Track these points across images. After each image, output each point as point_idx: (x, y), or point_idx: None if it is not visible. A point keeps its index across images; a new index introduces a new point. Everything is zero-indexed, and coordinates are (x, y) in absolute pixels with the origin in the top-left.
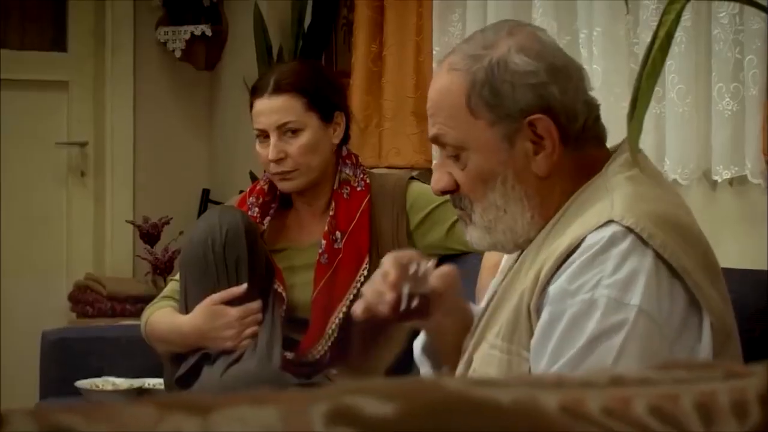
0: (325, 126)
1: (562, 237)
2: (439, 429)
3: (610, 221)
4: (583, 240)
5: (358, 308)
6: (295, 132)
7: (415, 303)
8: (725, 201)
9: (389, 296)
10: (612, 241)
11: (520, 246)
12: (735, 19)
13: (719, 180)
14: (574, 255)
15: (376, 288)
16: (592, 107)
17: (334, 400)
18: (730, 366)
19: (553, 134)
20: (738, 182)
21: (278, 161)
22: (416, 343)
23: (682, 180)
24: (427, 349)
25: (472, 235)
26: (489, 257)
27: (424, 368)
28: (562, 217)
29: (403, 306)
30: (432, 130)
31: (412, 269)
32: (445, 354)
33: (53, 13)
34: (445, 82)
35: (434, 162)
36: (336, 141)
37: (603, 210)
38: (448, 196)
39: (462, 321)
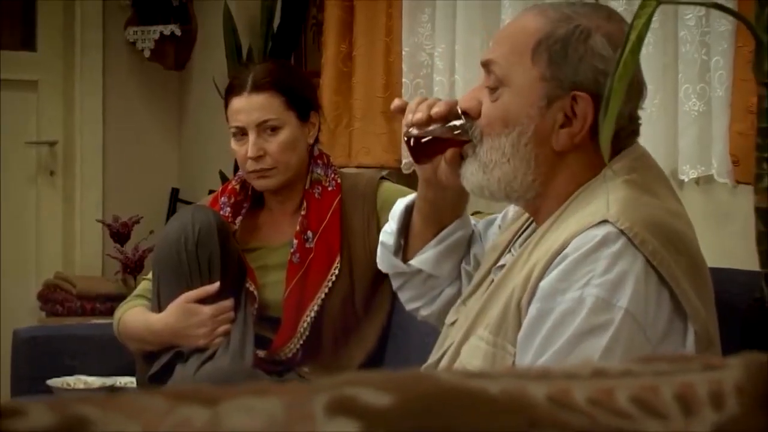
0: (302, 125)
1: (556, 234)
2: (434, 418)
3: (604, 221)
4: (576, 237)
5: (396, 101)
6: (275, 130)
7: (426, 140)
8: (692, 200)
9: (419, 116)
10: (604, 242)
11: (512, 200)
12: (701, 21)
13: (686, 179)
14: (566, 251)
15: (425, 104)
16: (633, 122)
17: (334, 391)
18: (706, 358)
19: (588, 118)
20: (704, 181)
21: (257, 159)
22: (402, 200)
23: None
24: (408, 208)
25: (467, 168)
26: None
27: (392, 224)
28: (560, 217)
29: (417, 131)
30: (488, 55)
31: (460, 125)
32: (418, 221)
33: (22, 12)
34: (528, 19)
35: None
36: (311, 141)
37: (598, 210)
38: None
39: (455, 203)
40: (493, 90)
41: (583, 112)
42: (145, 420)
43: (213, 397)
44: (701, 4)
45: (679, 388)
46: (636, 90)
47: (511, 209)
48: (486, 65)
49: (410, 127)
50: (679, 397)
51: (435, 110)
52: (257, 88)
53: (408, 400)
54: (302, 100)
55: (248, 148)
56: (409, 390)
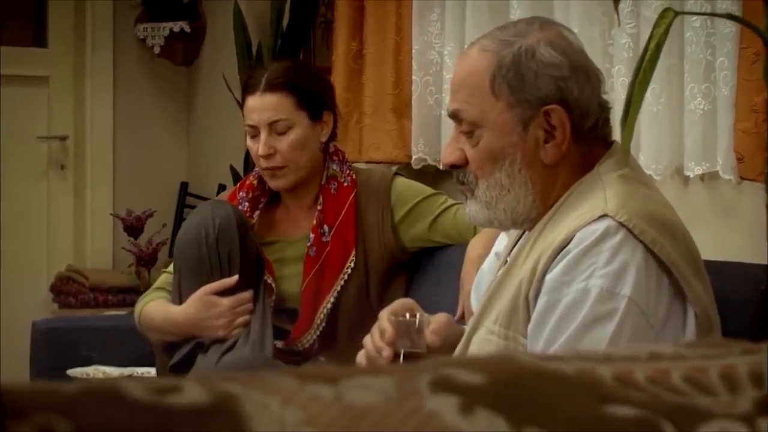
0: (313, 124)
1: (557, 229)
2: (522, 394)
3: (604, 215)
4: (578, 232)
5: (362, 360)
6: (285, 129)
7: (411, 360)
8: (697, 195)
9: (386, 353)
10: (605, 235)
11: (518, 225)
12: (707, 23)
13: (691, 176)
14: (569, 246)
15: (376, 343)
16: (605, 109)
17: (435, 371)
18: (745, 344)
19: (566, 126)
20: (709, 178)
21: (267, 157)
22: None
23: (656, 175)
24: None
25: (471, 209)
26: (473, 249)
27: None
28: (558, 210)
29: (400, 362)
30: (452, 105)
31: (407, 325)
32: None
33: (34, 9)
34: (473, 61)
35: (447, 137)
36: (323, 139)
37: (597, 205)
38: (431, 191)
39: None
40: (469, 135)
41: (559, 122)
42: (281, 396)
43: (334, 376)
44: (716, 15)
45: (724, 369)
46: (595, 80)
47: (501, 246)
48: (454, 115)
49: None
50: (724, 376)
51: (388, 338)
52: (270, 87)
53: (497, 378)
54: (314, 100)
55: (260, 146)
56: (497, 370)
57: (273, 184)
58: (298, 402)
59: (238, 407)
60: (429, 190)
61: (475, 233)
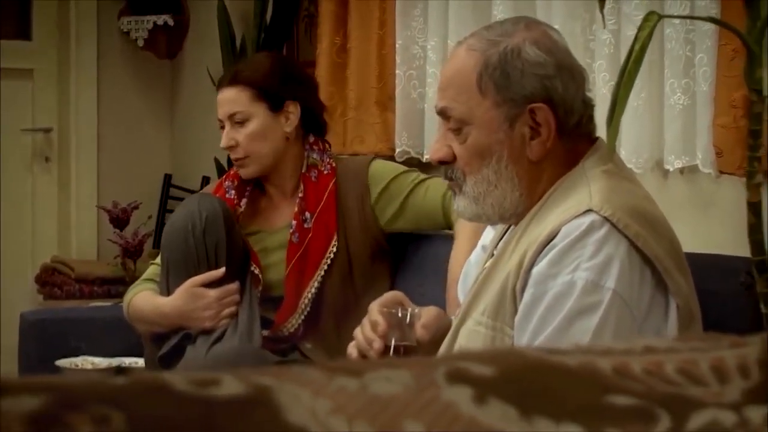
0: (274, 115)
1: (543, 223)
2: (529, 385)
3: (589, 210)
4: (564, 226)
5: (353, 351)
6: (243, 121)
7: (401, 352)
8: (677, 189)
9: (377, 345)
10: (590, 229)
11: (506, 219)
12: (686, 20)
13: (671, 169)
14: (555, 240)
15: (367, 335)
16: (589, 107)
17: (449, 364)
18: (733, 338)
19: (551, 124)
20: (689, 171)
21: (230, 148)
22: None
23: (637, 169)
24: None
25: (459, 204)
26: (454, 270)
27: None
28: (544, 205)
29: (390, 354)
30: (440, 103)
31: (398, 318)
32: None
33: (18, 2)
34: (460, 60)
35: (434, 134)
36: (288, 129)
37: (582, 200)
38: (404, 168)
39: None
40: (457, 132)
41: (544, 119)
42: (311, 387)
43: (357, 370)
44: (697, 18)
45: (713, 361)
46: (579, 78)
47: (488, 239)
48: (442, 113)
49: (383, 357)
50: (714, 368)
51: (379, 330)
52: (230, 82)
53: (507, 370)
54: (274, 92)
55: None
56: (506, 363)
57: (242, 173)
58: (327, 393)
59: (273, 398)
60: (402, 168)
61: (444, 214)
